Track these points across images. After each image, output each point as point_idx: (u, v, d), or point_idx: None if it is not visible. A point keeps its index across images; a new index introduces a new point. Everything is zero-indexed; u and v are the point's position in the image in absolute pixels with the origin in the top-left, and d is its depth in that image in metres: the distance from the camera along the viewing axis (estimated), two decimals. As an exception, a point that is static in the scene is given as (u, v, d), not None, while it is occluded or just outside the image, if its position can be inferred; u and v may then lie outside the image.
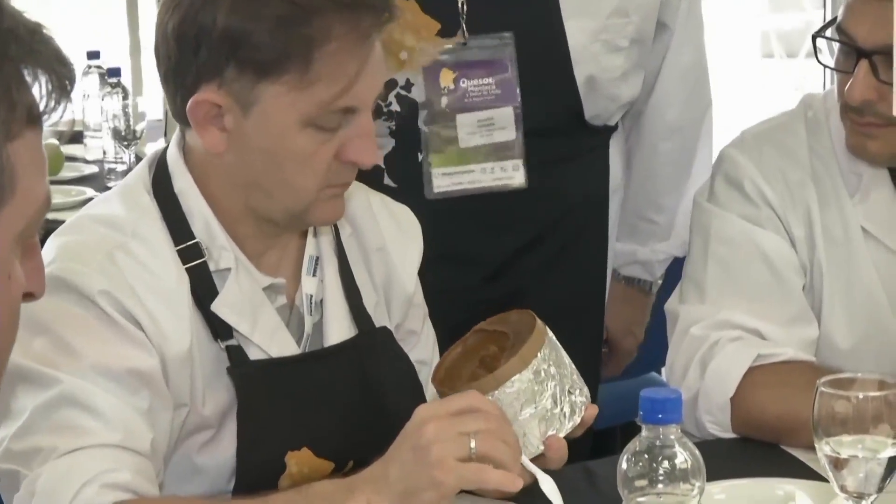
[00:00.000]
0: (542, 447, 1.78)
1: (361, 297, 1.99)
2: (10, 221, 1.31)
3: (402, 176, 2.52)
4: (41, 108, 1.31)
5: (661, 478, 1.62)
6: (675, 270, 2.69)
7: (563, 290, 2.60)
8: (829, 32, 2.20)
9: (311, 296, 1.96)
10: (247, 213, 1.89)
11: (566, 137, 2.59)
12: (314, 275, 1.97)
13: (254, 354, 1.88)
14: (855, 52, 2.12)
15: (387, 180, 2.51)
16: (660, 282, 2.89)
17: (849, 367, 2.03)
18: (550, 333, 1.81)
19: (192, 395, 1.84)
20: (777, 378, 2.11)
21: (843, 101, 2.17)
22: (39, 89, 1.30)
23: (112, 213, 1.87)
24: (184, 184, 1.89)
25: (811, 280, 2.24)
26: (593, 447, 2.63)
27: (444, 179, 2.50)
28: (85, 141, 4.39)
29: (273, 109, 1.80)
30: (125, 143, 4.10)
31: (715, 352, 2.15)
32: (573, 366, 1.82)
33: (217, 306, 1.86)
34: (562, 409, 1.78)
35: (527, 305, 1.90)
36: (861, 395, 1.69)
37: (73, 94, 1.34)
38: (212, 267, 1.87)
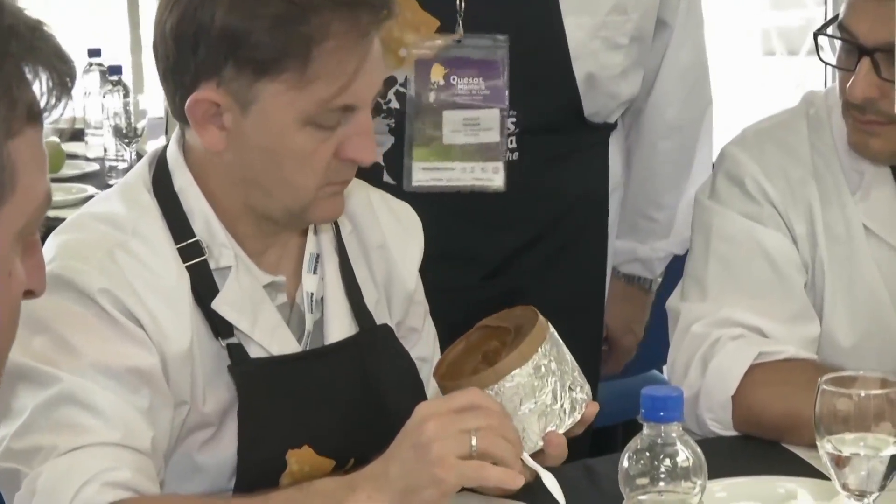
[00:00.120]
0: (541, 443, 1.77)
1: (362, 294, 1.99)
2: (11, 219, 1.30)
3: (401, 174, 2.52)
4: (42, 105, 1.31)
5: (662, 476, 1.62)
6: (675, 268, 2.69)
7: (562, 288, 2.60)
8: (830, 30, 2.19)
9: (312, 293, 1.95)
10: (246, 212, 1.88)
11: (565, 135, 2.59)
12: (315, 272, 1.97)
13: (254, 352, 1.88)
14: (856, 50, 2.12)
15: (386, 177, 2.51)
16: (660, 279, 2.89)
17: (850, 364, 2.03)
18: (552, 329, 1.81)
19: (192, 394, 1.84)
20: (778, 376, 2.11)
21: (844, 98, 2.16)
22: (40, 86, 1.30)
23: (112, 211, 1.87)
24: (184, 182, 1.89)
25: (813, 278, 2.24)
26: (595, 445, 2.63)
27: (424, 174, 2.51)
28: (86, 139, 4.39)
29: (272, 108, 1.80)
30: (126, 140, 4.10)
31: (716, 350, 2.15)
32: (575, 363, 1.82)
33: (217, 304, 1.86)
34: (562, 406, 1.78)
35: (526, 303, 1.90)
36: (863, 393, 1.69)
37: (73, 92, 1.33)
38: (212, 265, 1.87)
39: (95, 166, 4.24)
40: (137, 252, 1.83)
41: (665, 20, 2.68)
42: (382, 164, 2.51)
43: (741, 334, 2.17)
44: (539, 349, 1.77)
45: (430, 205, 2.25)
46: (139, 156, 3.89)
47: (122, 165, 4.08)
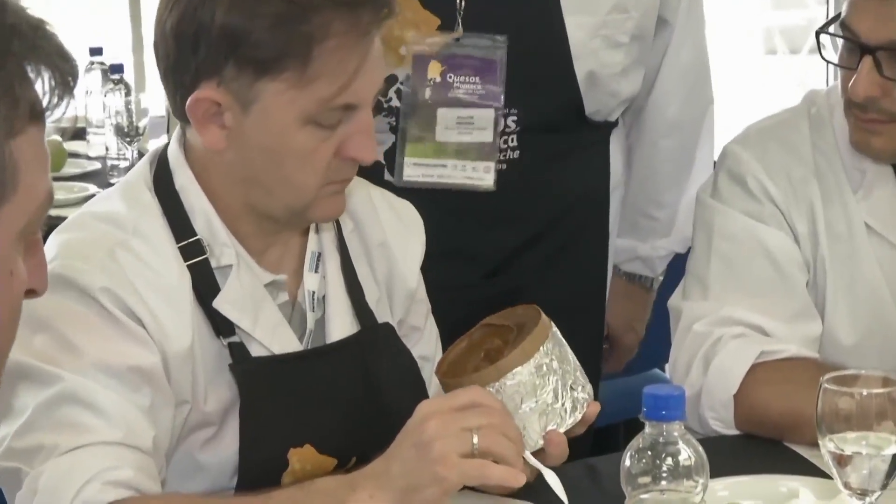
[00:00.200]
0: (541, 442, 1.77)
1: (364, 292, 1.99)
2: (13, 218, 1.31)
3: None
4: (44, 104, 1.31)
5: (664, 475, 1.62)
6: (676, 267, 2.69)
7: (563, 286, 2.60)
8: (832, 29, 2.19)
9: (314, 292, 1.95)
10: (247, 210, 1.88)
11: (566, 133, 2.59)
12: (316, 271, 1.96)
13: (256, 351, 1.88)
14: (859, 49, 2.11)
15: (387, 176, 2.51)
16: (661, 278, 2.89)
17: (852, 363, 2.03)
18: (555, 328, 1.81)
19: (193, 393, 1.84)
20: (780, 375, 2.11)
21: (846, 97, 2.16)
22: (42, 85, 1.31)
23: (113, 210, 1.87)
24: (185, 181, 1.89)
25: (814, 276, 2.24)
26: (597, 444, 2.63)
27: (416, 170, 2.51)
28: (87, 137, 4.39)
29: (273, 107, 1.79)
30: (128, 139, 4.10)
31: (718, 348, 2.15)
32: (577, 362, 1.82)
33: (219, 303, 1.86)
34: (563, 405, 1.78)
35: (527, 302, 1.90)
36: (865, 392, 1.69)
37: (75, 91, 1.33)
38: (213, 264, 1.87)
39: (97, 165, 4.24)
40: (138, 251, 1.83)
41: (666, 18, 2.68)
42: (383, 162, 2.51)
43: (743, 333, 2.17)
44: (541, 348, 1.77)
45: (431, 203, 2.25)
46: (141, 154, 3.89)
47: (123, 164, 4.08)
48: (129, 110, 4.09)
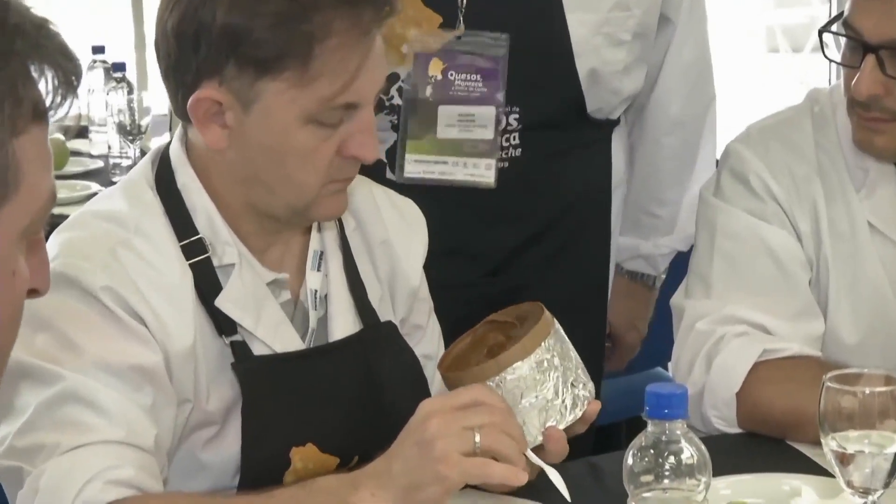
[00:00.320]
0: (540, 438, 1.77)
1: (366, 291, 1.99)
2: (15, 217, 1.31)
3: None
4: (47, 103, 1.31)
5: (667, 473, 1.62)
6: (678, 265, 2.69)
7: (565, 284, 2.60)
8: (835, 27, 2.19)
9: (316, 291, 1.95)
10: (249, 209, 1.88)
11: (568, 131, 2.59)
12: (318, 269, 1.96)
13: (258, 350, 1.88)
14: (861, 47, 2.11)
15: (389, 174, 2.51)
16: (663, 276, 2.89)
17: (855, 362, 2.03)
18: (558, 326, 1.81)
19: (195, 391, 1.84)
20: (783, 373, 2.11)
21: (849, 95, 2.16)
22: (45, 85, 1.31)
23: (115, 209, 1.87)
24: (187, 179, 1.89)
25: (817, 275, 2.24)
26: (599, 443, 2.63)
27: (417, 166, 2.51)
28: (90, 136, 4.39)
29: (274, 106, 1.79)
30: (130, 137, 4.10)
31: (720, 347, 2.15)
32: (579, 360, 1.82)
33: (221, 302, 1.86)
34: (563, 401, 1.78)
35: (529, 300, 1.90)
36: (867, 391, 1.69)
37: (78, 90, 1.34)
38: (215, 262, 1.87)
39: (99, 163, 4.24)
40: (140, 250, 1.83)
41: (668, 16, 2.68)
42: (385, 160, 2.51)
43: (745, 331, 2.17)
44: (543, 343, 1.77)
45: (432, 201, 2.25)
46: (143, 153, 3.88)
47: (126, 162, 4.08)
48: (131, 108, 4.09)
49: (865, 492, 1.70)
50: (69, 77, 1.32)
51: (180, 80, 1.82)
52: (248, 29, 1.76)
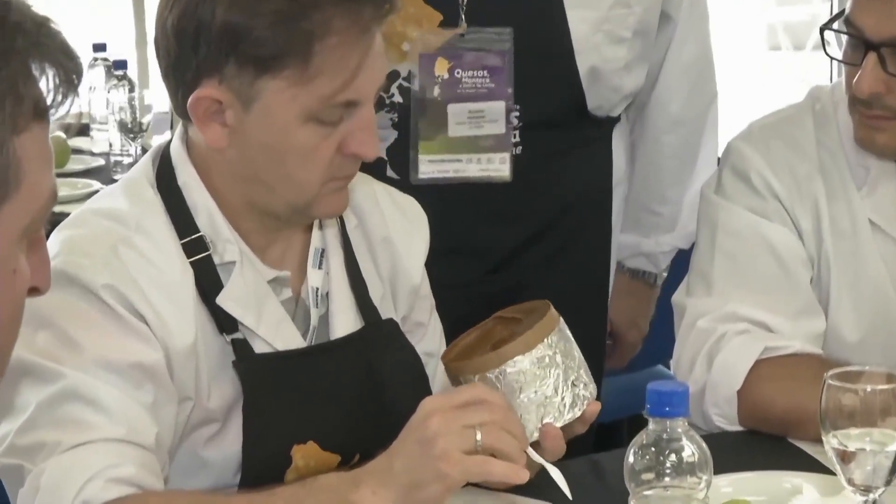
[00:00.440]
0: (537, 434, 1.77)
1: (367, 289, 1.99)
2: (16, 216, 1.31)
3: (404, 168, 2.52)
4: (48, 101, 1.31)
5: (668, 471, 1.62)
6: (680, 263, 2.69)
7: (565, 282, 2.60)
8: (836, 25, 2.19)
9: (317, 288, 1.95)
10: (249, 207, 1.88)
11: (568, 129, 2.59)
12: (320, 267, 1.96)
13: (259, 348, 1.87)
14: (863, 45, 2.11)
15: (389, 172, 2.51)
16: (664, 274, 2.89)
17: (856, 359, 2.03)
18: (563, 324, 1.81)
19: (197, 389, 1.84)
20: (784, 371, 2.11)
21: (851, 93, 2.16)
22: (46, 83, 1.31)
23: (116, 206, 1.87)
24: (187, 177, 1.89)
25: (818, 273, 2.24)
26: (600, 440, 2.63)
27: (430, 166, 2.51)
28: (91, 133, 4.39)
29: (274, 105, 1.79)
30: (131, 135, 4.10)
31: (722, 345, 2.15)
32: (583, 361, 1.82)
33: (222, 299, 1.86)
34: (562, 399, 1.78)
35: (530, 298, 1.90)
36: (869, 389, 1.68)
37: (79, 88, 1.34)
38: (216, 260, 1.87)
39: (101, 161, 4.24)
40: (141, 247, 1.83)
41: (669, 14, 2.68)
42: (385, 158, 2.51)
43: (747, 329, 2.17)
44: (546, 339, 1.77)
45: (433, 199, 2.25)
46: (144, 150, 3.89)
47: (127, 160, 4.08)
48: (132, 106, 4.09)
49: (867, 490, 1.70)
50: (70, 75, 1.32)
51: (180, 78, 1.82)
52: (248, 27, 1.76)
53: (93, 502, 1.68)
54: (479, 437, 1.68)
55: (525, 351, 1.76)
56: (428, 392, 1.97)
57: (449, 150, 2.51)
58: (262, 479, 1.82)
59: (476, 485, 1.81)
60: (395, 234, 2.04)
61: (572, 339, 1.82)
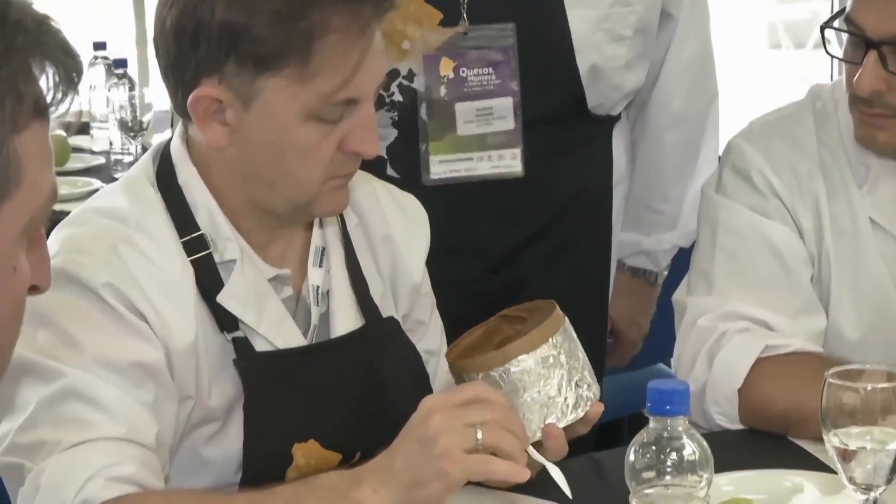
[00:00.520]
0: (539, 434, 1.77)
1: (368, 287, 1.99)
2: (16, 214, 1.30)
3: (404, 166, 2.52)
4: (48, 100, 1.31)
5: (668, 469, 1.62)
6: (680, 261, 2.69)
7: (566, 281, 2.60)
8: (837, 23, 2.19)
9: (318, 286, 1.95)
10: (250, 206, 1.88)
11: (568, 127, 2.59)
12: (320, 265, 1.96)
13: (260, 346, 1.87)
14: (863, 43, 2.11)
15: (390, 171, 2.51)
16: (665, 272, 2.89)
17: (857, 358, 2.02)
18: (568, 325, 1.81)
19: (197, 388, 1.84)
20: (785, 369, 2.11)
21: (851, 92, 2.16)
22: (47, 81, 1.31)
23: (116, 205, 1.87)
24: (187, 176, 1.89)
25: (819, 271, 2.24)
26: (601, 439, 2.63)
27: (442, 166, 2.51)
28: (91, 132, 4.39)
29: (274, 103, 1.79)
30: (132, 133, 4.10)
31: (722, 343, 2.15)
32: (587, 362, 1.81)
33: (223, 298, 1.86)
34: (565, 399, 1.78)
35: (531, 296, 1.89)
36: (869, 387, 1.68)
37: (79, 87, 1.34)
38: (217, 258, 1.87)
39: (101, 160, 4.24)
40: (141, 246, 1.83)
41: (670, 12, 2.68)
42: (386, 157, 2.51)
43: (747, 328, 2.17)
44: (550, 339, 1.77)
45: (434, 199, 2.25)
46: (145, 149, 3.89)
47: (127, 159, 4.08)
48: (132, 105, 4.09)
49: (867, 488, 1.70)
50: (70, 74, 1.32)
51: (180, 77, 1.82)
52: (248, 26, 1.76)
53: (93, 501, 1.68)
54: (479, 435, 1.68)
55: (530, 350, 1.76)
56: (429, 390, 1.97)
57: (459, 149, 2.50)
58: (263, 477, 1.82)
59: (477, 483, 1.81)
60: (396, 232, 2.04)
61: (577, 339, 1.82)
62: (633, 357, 2.96)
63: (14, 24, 1.29)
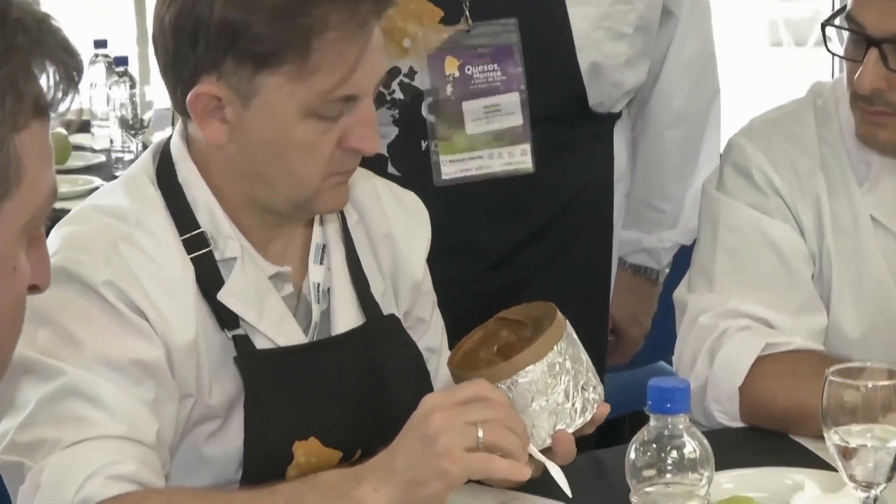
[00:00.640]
0: (549, 441, 1.77)
1: (369, 284, 1.99)
2: (16, 213, 1.30)
3: (405, 164, 2.52)
4: (48, 99, 1.31)
5: (669, 467, 1.62)
6: (682, 259, 2.68)
7: (567, 279, 2.60)
8: (838, 21, 2.19)
9: (319, 284, 1.95)
10: (250, 203, 1.88)
11: (569, 125, 2.59)
12: (321, 263, 1.96)
13: (260, 343, 1.87)
14: (864, 41, 2.11)
15: (391, 169, 2.51)
16: (667, 270, 2.89)
17: (857, 356, 2.03)
18: (570, 328, 1.81)
19: (198, 386, 1.84)
20: (786, 367, 2.11)
21: (852, 89, 2.16)
22: (47, 80, 1.31)
23: (116, 203, 1.87)
24: (188, 174, 1.89)
25: (820, 269, 2.24)
26: (602, 437, 2.62)
27: (452, 166, 2.50)
28: (92, 130, 4.39)
29: (273, 100, 1.79)
30: (132, 132, 4.10)
31: (723, 341, 2.15)
32: (590, 362, 1.81)
33: (223, 295, 1.86)
34: (573, 405, 1.78)
35: (531, 295, 1.89)
36: (870, 385, 1.68)
37: (80, 85, 1.33)
38: (217, 256, 1.87)
39: (102, 158, 4.24)
40: (142, 244, 1.83)
41: (671, 10, 2.67)
42: (386, 155, 2.51)
43: (748, 325, 2.17)
44: (555, 347, 1.77)
45: (434, 196, 2.25)
46: (145, 147, 3.88)
47: (128, 157, 4.08)
48: (133, 103, 4.09)
49: (868, 486, 1.70)
50: (70, 72, 1.32)
51: (179, 75, 1.82)
52: (246, 23, 1.76)
53: (93, 499, 1.68)
54: (480, 434, 1.68)
55: (536, 360, 1.76)
56: (429, 388, 1.97)
57: (469, 147, 2.50)
58: (264, 475, 1.82)
59: (477, 482, 1.81)
60: (397, 230, 2.04)
61: (578, 341, 1.81)
62: (635, 355, 2.96)
63: (14, 23, 1.29)
